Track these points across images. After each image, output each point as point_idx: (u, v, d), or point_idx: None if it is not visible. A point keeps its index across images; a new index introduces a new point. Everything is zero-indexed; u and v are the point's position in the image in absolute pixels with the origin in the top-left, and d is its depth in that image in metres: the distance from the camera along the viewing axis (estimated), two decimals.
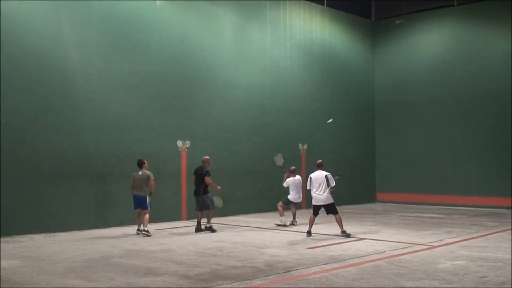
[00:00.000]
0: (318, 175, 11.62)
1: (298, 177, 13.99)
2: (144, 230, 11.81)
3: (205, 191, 12.45)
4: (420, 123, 20.52)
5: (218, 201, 12.86)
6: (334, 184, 11.58)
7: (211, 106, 16.05)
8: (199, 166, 12.72)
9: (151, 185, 11.95)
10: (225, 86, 16.45)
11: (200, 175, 12.43)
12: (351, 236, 11.47)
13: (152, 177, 12.01)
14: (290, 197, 13.81)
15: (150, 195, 11.99)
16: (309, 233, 11.65)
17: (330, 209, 11.63)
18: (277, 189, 17.77)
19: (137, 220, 12.12)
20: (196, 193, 12.52)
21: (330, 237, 11.63)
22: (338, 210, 11.74)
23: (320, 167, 11.83)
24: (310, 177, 11.72)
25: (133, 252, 9.66)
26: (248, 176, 16.93)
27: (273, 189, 17.65)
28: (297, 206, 14.27)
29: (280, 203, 13.86)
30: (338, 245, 10.44)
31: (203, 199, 12.42)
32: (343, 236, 11.42)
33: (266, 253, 9.46)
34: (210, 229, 12.36)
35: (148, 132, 14.41)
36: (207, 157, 12.94)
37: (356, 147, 20.80)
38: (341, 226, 11.64)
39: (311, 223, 11.74)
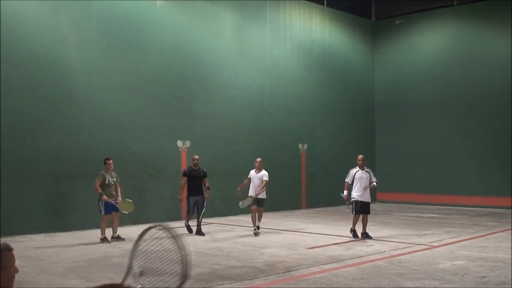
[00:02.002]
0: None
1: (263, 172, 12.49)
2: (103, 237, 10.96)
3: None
4: (420, 123, 20.51)
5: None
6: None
7: (211, 106, 16.05)
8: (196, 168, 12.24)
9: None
10: (225, 86, 16.45)
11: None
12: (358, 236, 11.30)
13: (97, 177, 11.10)
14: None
15: (100, 197, 10.97)
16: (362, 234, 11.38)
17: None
18: (277, 189, 17.80)
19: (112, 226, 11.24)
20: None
21: (330, 237, 11.62)
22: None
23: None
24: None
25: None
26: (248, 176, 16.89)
27: (273, 189, 17.65)
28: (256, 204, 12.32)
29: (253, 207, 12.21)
30: (338, 245, 10.44)
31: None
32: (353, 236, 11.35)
33: (266, 253, 9.46)
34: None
35: (148, 132, 14.41)
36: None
37: (356, 147, 20.76)
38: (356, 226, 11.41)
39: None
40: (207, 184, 12.12)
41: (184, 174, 12.13)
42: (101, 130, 13.45)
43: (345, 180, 11.44)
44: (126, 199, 11.40)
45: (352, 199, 11.26)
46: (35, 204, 12.21)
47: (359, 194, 11.20)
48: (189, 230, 12.20)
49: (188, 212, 12.21)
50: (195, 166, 12.13)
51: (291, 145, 18.49)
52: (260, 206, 12.14)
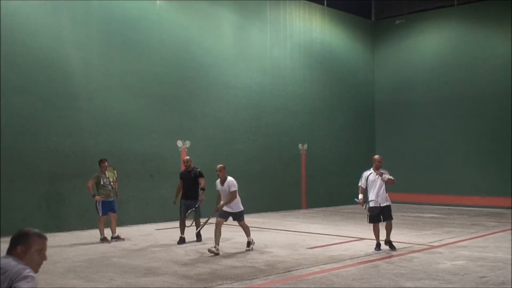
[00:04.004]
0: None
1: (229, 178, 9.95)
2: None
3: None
4: (420, 123, 20.51)
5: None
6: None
7: (211, 106, 16.05)
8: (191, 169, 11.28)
9: None
10: (225, 86, 16.45)
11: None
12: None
13: (90, 178, 11.14)
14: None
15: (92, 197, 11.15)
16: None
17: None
18: (277, 189, 17.82)
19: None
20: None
21: (330, 237, 11.62)
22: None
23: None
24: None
25: (133, 252, 9.66)
26: (248, 176, 16.90)
27: (273, 189, 17.67)
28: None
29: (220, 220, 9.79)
30: (338, 245, 10.44)
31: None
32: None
33: (266, 253, 9.46)
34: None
35: (148, 132, 14.41)
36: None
37: (356, 147, 20.79)
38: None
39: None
40: (201, 185, 11.05)
41: (180, 177, 11.38)
42: (101, 130, 13.45)
43: (359, 184, 10.19)
44: (110, 167, 11.35)
45: (368, 205, 9.90)
46: (35, 204, 12.21)
47: (373, 199, 9.85)
48: (182, 241, 10.76)
49: (181, 216, 11.02)
50: (188, 168, 11.19)
51: (291, 145, 18.49)
52: (239, 220, 9.96)
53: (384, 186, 9.89)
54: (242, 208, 10.02)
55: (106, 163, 11.20)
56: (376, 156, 10.13)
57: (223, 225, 9.72)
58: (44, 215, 12.33)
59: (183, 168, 11.72)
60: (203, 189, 11.07)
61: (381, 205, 9.82)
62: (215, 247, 9.34)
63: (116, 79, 13.84)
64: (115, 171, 11.49)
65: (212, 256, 9.16)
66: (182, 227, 10.90)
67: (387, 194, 9.97)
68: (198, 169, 11.34)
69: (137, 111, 14.23)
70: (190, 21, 15.70)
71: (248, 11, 17.34)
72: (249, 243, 9.95)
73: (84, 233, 12.22)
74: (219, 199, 9.99)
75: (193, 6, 15.73)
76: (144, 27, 14.49)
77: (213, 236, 9.45)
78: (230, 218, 9.94)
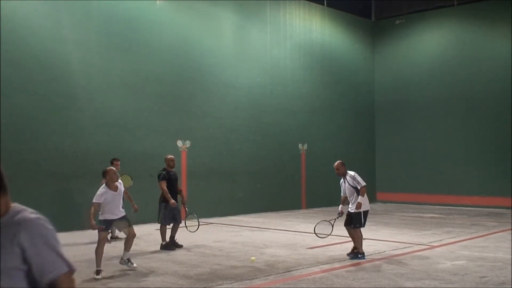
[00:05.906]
0: None
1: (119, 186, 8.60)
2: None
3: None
4: (420, 123, 20.52)
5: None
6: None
7: (211, 106, 16.05)
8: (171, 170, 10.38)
9: None
10: (225, 86, 16.45)
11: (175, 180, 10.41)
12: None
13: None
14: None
15: None
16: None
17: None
18: (277, 189, 17.81)
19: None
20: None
21: (330, 237, 11.62)
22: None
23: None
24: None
25: (133, 252, 9.65)
26: (248, 176, 16.92)
27: (273, 189, 17.66)
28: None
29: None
30: (338, 245, 10.44)
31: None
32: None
33: (266, 253, 9.46)
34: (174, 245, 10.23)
35: (148, 132, 14.42)
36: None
37: (356, 147, 20.79)
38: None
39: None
40: (181, 187, 10.56)
41: (164, 178, 10.13)
42: (101, 130, 13.45)
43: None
44: (124, 174, 10.80)
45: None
46: (35, 204, 11.97)
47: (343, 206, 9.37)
48: (170, 247, 10.05)
49: (164, 223, 10.11)
50: (171, 168, 10.30)
51: (291, 145, 18.49)
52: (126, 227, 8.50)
53: (355, 192, 9.07)
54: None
55: (119, 163, 11.12)
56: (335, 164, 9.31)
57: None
58: (44, 215, 12.27)
59: (168, 168, 10.31)
60: (181, 190, 10.65)
61: (349, 210, 9.17)
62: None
63: (116, 79, 13.85)
64: (131, 181, 10.71)
65: (211, 256, 9.16)
66: (165, 233, 10.15)
67: (358, 200, 8.99)
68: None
69: (137, 111, 14.24)
70: (190, 21, 15.71)
71: (248, 11, 17.35)
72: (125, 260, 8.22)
73: (84, 233, 12.21)
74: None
75: (193, 6, 15.74)
76: (144, 27, 14.50)
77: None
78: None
